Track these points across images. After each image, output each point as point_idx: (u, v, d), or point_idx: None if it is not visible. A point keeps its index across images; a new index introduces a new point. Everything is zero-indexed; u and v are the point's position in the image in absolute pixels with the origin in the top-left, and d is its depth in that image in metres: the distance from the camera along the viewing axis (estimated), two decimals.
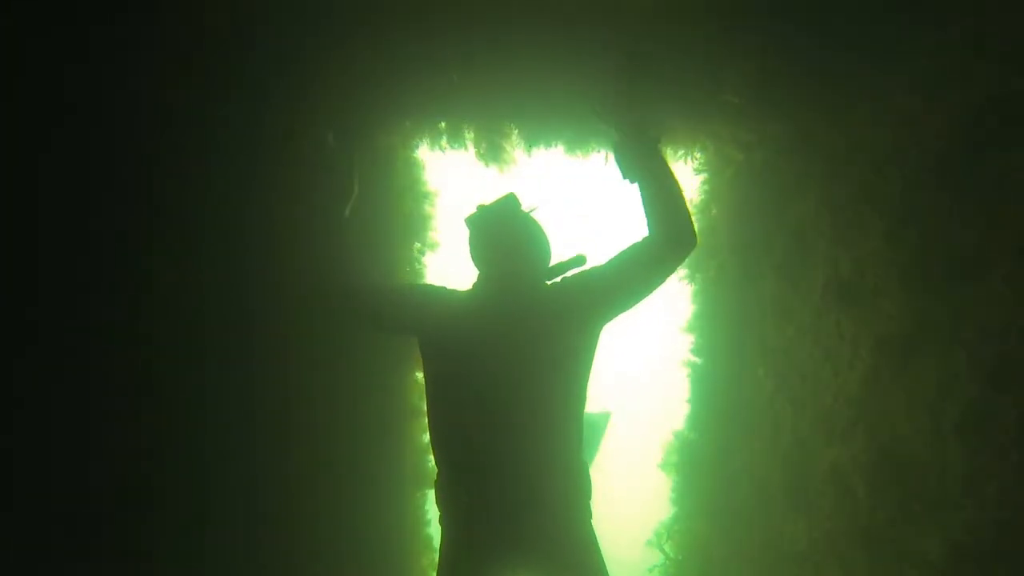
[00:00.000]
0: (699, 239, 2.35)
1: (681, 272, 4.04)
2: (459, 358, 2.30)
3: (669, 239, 2.27)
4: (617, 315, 2.34)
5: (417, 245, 3.83)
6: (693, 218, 2.34)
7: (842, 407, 2.75)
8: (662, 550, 4.12)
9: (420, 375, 3.75)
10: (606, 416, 3.88)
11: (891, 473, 2.45)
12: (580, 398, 2.33)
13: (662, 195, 2.30)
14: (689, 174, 3.89)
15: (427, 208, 3.86)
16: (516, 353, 2.25)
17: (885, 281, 2.52)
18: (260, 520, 2.61)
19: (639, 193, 2.35)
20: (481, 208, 2.44)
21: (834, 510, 2.76)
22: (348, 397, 3.24)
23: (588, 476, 2.39)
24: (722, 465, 3.72)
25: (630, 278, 2.29)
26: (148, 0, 2.25)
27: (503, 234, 2.37)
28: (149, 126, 2.28)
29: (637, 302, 2.32)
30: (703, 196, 3.94)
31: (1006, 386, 2.06)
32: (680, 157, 3.74)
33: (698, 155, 3.80)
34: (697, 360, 4.01)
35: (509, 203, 2.42)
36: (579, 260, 2.37)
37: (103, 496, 2.08)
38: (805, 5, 2.57)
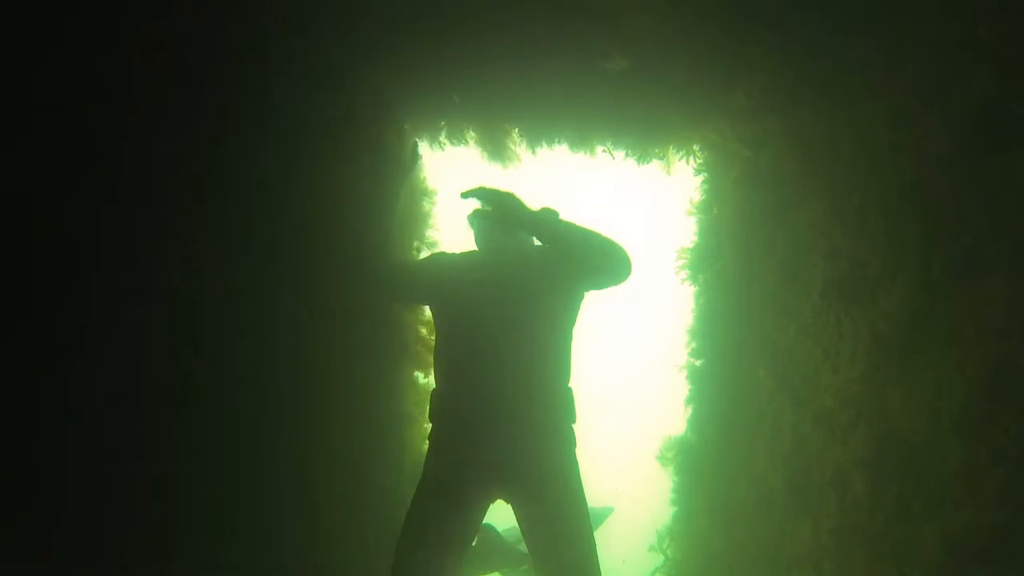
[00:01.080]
0: (631, 267, 2.72)
1: (683, 273, 4.06)
2: (463, 303, 2.78)
3: (594, 272, 2.73)
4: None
5: (415, 243, 3.86)
6: (621, 248, 2.70)
7: (842, 407, 2.75)
8: (664, 553, 4.12)
9: (418, 375, 3.82)
10: (608, 511, 3.95)
11: (891, 473, 2.45)
12: (565, 334, 2.80)
13: (579, 247, 2.70)
14: (690, 174, 3.90)
15: (427, 206, 3.91)
16: (508, 297, 2.73)
17: (885, 281, 2.53)
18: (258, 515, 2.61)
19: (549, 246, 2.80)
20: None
21: (834, 510, 2.76)
22: (346, 397, 3.24)
23: (573, 403, 2.75)
24: (723, 465, 3.72)
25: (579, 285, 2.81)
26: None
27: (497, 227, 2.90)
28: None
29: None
30: (704, 196, 3.94)
31: (1006, 386, 2.06)
32: (681, 157, 3.74)
33: (699, 155, 3.81)
34: (698, 360, 4.00)
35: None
36: (549, 211, 2.83)
37: (122, 491, 2.09)
38: (806, 7, 2.57)
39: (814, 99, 2.90)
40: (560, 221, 2.76)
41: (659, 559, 4.15)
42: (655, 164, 3.77)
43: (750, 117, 3.30)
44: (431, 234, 3.93)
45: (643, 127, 3.59)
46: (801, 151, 3.10)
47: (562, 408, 2.71)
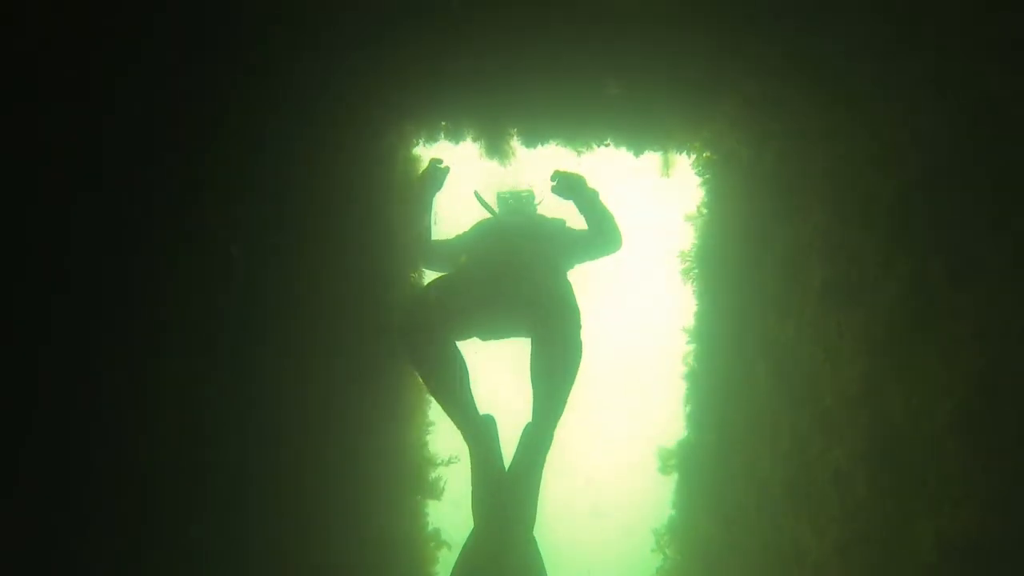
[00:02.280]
0: (623, 243, 3.91)
1: (684, 274, 4.07)
2: (480, 252, 3.76)
3: (599, 242, 3.88)
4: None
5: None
6: (619, 229, 3.85)
7: (841, 407, 2.75)
8: (663, 552, 4.12)
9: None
10: None
11: (890, 473, 2.45)
12: (563, 268, 3.80)
13: (596, 218, 3.85)
14: (690, 175, 3.91)
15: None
16: (518, 240, 3.74)
17: (885, 281, 2.52)
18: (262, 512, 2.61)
19: (582, 213, 3.90)
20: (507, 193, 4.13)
21: (833, 510, 2.76)
22: (344, 393, 3.24)
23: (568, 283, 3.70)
24: (722, 465, 3.72)
25: (576, 252, 3.90)
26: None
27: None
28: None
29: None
30: (705, 195, 3.95)
31: (1006, 386, 2.05)
32: (681, 152, 3.76)
33: (699, 157, 3.82)
34: (697, 359, 4.01)
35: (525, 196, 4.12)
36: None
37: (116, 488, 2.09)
38: (806, 7, 2.57)
39: (814, 101, 2.90)
40: (601, 204, 3.78)
41: (651, 561, 4.16)
42: (655, 167, 3.80)
43: (750, 121, 3.30)
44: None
45: (642, 131, 3.62)
46: (801, 152, 3.10)
47: (564, 282, 3.62)
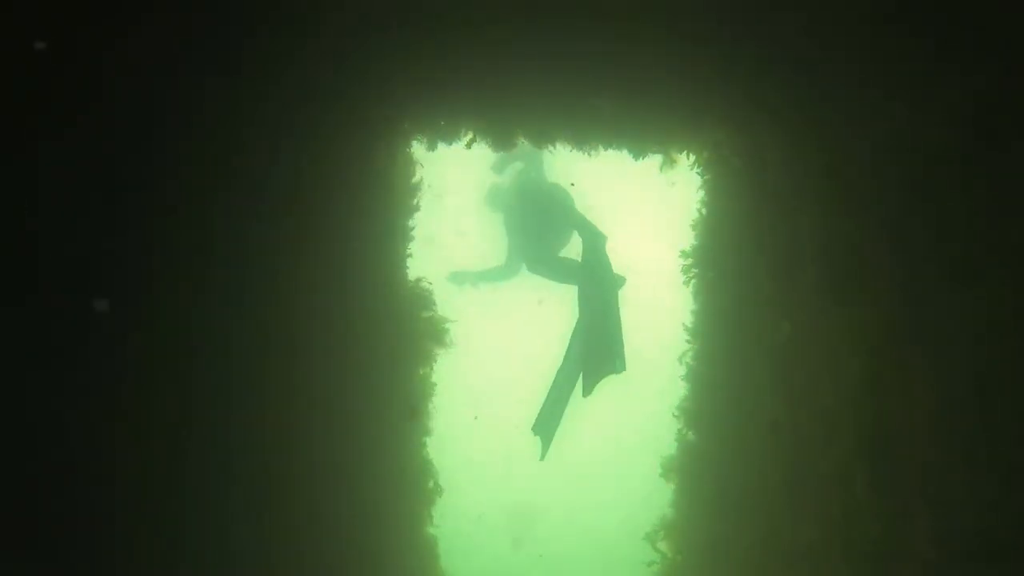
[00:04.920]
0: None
1: (684, 275, 4.07)
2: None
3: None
4: None
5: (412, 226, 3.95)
6: None
7: (840, 407, 2.75)
8: (656, 547, 4.13)
9: (422, 372, 3.87)
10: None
11: (890, 473, 2.45)
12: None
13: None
14: (689, 177, 3.92)
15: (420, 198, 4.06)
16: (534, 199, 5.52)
17: (883, 281, 2.53)
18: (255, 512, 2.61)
19: None
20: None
21: (833, 509, 2.76)
22: (345, 398, 3.24)
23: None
24: (721, 464, 3.72)
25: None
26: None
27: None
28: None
29: None
30: (704, 198, 3.95)
31: (1004, 386, 2.06)
32: (681, 153, 3.76)
33: (698, 161, 3.84)
34: (696, 360, 4.01)
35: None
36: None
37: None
38: (804, 6, 2.57)
39: (810, 101, 2.90)
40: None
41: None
42: (654, 170, 3.82)
43: (747, 124, 3.30)
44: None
45: (642, 139, 3.64)
46: (798, 153, 3.10)
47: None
